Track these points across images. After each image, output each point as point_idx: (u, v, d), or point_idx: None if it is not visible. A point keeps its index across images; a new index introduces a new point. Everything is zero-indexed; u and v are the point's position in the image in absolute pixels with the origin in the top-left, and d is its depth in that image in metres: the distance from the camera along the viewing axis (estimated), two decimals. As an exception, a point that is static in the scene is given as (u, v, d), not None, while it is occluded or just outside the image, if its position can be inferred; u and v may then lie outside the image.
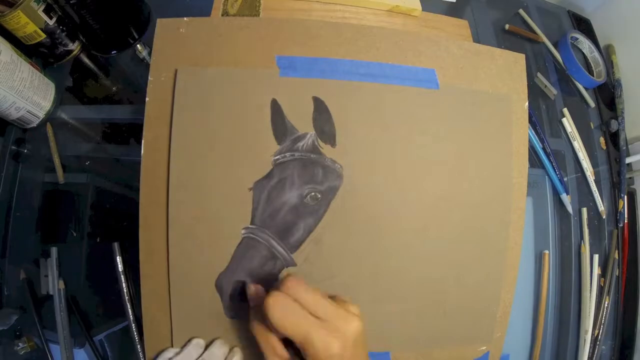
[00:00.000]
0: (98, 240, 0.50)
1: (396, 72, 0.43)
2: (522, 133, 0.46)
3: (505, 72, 0.46)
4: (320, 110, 0.42)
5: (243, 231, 0.40)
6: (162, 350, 0.41)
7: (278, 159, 0.41)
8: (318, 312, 0.33)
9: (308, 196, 0.41)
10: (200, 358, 0.40)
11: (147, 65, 0.42)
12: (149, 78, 0.41)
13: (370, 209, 0.42)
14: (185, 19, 0.42)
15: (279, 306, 0.32)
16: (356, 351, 0.33)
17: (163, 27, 0.42)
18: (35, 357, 0.49)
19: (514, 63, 0.46)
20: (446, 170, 0.43)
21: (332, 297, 0.35)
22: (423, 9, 0.52)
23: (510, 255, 0.45)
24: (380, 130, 0.43)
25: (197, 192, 0.40)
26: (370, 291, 0.43)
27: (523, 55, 0.47)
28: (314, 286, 0.34)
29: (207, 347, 0.41)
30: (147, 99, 0.41)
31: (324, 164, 0.41)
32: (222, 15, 0.48)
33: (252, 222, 0.40)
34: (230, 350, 0.41)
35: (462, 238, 0.44)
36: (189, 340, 0.41)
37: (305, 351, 0.32)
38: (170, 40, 0.42)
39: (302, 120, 0.41)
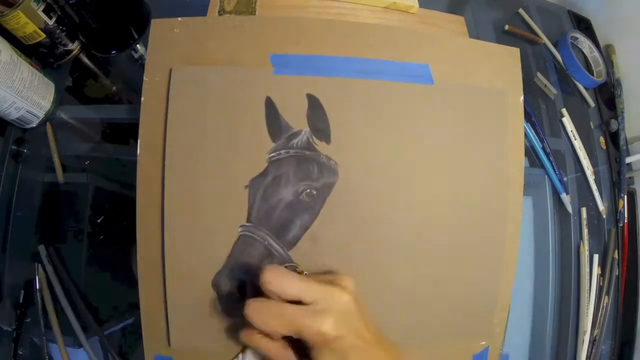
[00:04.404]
0: (98, 240, 0.50)
1: (390, 69, 0.43)
2: (517, 127, 0.45)
3: (500, 67, 0.46)
4: (315, 108, 0.42)
5: (239, 229, 0.40)
6: None
7: (273, 157, 0.41)
8: (303, 297, 0.32)
9: (303, 193, 0.41)
10: None
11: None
12: (144, 78, 0.41)
13: (366, 205, 0.42)
14: (179, 19, 0.42)
15: (257, 313, 0.32)
16: (351, 322, 0.32)
17: (157, 27, 0.42)
18: (36, 357, 0.49)
19: (508, 57, 0.46)
20: (441, 165, 0.43)
21: (328, 273, 0.34)
22: (422, 6, 0.52)
23: (508, 249, 0.45)
24: (374, 126, 0.42)
25: (193, 191, 0.40)
26: (367, 287, 0.42)
27: (517, 49, 0.46)
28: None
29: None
30: (142, 98, 0.41)
31: (319, 161, 0.41)
32: (219, 12, 0.48)
33: (248, 220, 0.40)
34: None
35: (459, 232, 0.44)
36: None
37: (305, 341, 0.31)
38: (165, 41, 0.42)
39: (296, 118, 0.41)
